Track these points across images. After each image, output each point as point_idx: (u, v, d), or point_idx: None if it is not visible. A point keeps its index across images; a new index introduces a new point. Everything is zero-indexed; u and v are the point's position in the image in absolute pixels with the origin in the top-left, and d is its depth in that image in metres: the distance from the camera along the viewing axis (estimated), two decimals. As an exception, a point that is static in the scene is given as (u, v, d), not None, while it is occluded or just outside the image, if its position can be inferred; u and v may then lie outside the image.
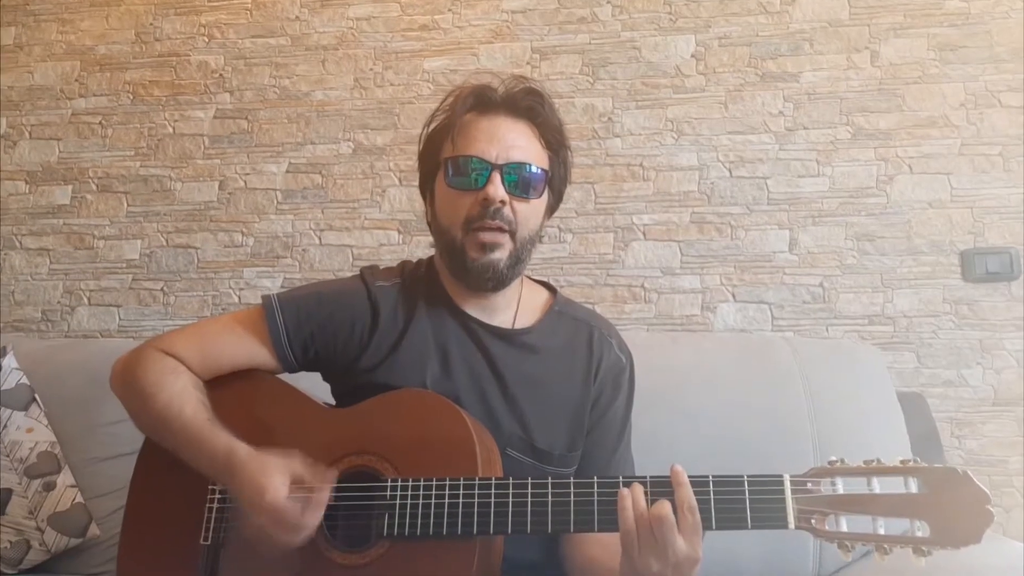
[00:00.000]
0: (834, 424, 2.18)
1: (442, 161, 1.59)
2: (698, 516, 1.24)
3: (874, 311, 2.76)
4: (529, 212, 1.58)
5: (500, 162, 1.53)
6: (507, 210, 1.54)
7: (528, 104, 1.61)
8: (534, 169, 1.57)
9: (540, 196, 1.60)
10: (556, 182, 1.67)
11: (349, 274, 1.76)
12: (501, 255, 1.56)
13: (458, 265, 1.59)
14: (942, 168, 2.79)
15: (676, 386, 2.25)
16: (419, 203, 1.75)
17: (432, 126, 1.66)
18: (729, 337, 2.71)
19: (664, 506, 1.24)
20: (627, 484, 1.32)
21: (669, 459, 1.34)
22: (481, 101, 1.61)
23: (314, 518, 1.38)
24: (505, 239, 1.56)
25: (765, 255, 2.83)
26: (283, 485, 1.37)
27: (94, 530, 2.33)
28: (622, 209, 2.92)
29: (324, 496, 1.39)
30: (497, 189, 1.52)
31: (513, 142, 1.56)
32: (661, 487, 1.29)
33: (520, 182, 1.55)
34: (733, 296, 2.83)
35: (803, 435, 2.16)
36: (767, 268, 2.82)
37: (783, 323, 2.79)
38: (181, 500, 1.56)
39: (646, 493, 1.29)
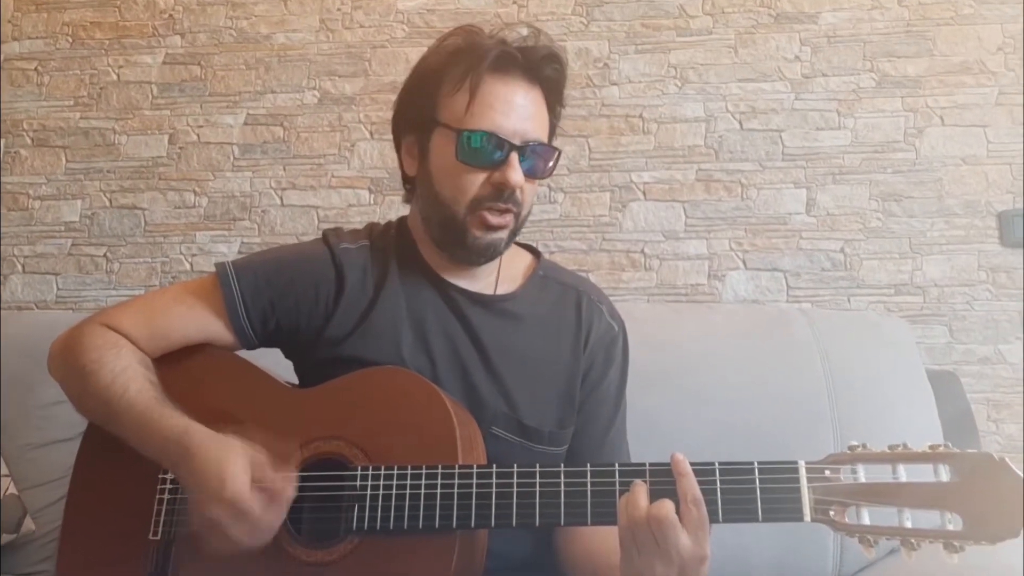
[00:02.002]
0: (856, 405, 2.17)
1: (456, 131, 1.55)
2: (704, 509, 1.24)
3: (901, 279, 2.75)
4: (533, 191, 1.63)
5: (517, 142, 1.53)
6: (518, 192, 1.56)
7: (548, 74, 1.61)
8: (548, 148, 1.61)
9: (550, 176, 1.65)
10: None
11: (314, 238, 1.75)
12: (503, 235, 1.59)
13: (454, 240, 1.60)
14: (977, 120, 2.77)
15: (680, 363, 2.25)
16: (393, 159, 1.73)
17: (427, 66, 1.63)
18: (739, 309, 2.71)
19: (665, 506, 1.23)
20: (624, 473, 1.32)
21: (671, 445, 1.33)
22: (501, 62, 1.58)
23: (277, 517, 1.37)
24: (510, 219, 1.59)
25: (779, 217, 2.82)
26: (245, 476, 1.35)
27: (29, 524, 2.32)
28: (620, 166, 2.90)
29: (289, 493, 1.38)
30: (516, 174, 1.53)
31: (528, 114, 1.57)
32: (663, 476, 1.28)
33: (535, 166, 1.58)
34: (744, 263, 2.82)
35: (822, 418, 2.16)
36: (782, 232, 2.81)
37: (799, 293, 2.79)
38: (129, 491, 1.55)
39: (647, 483, 1.28)
